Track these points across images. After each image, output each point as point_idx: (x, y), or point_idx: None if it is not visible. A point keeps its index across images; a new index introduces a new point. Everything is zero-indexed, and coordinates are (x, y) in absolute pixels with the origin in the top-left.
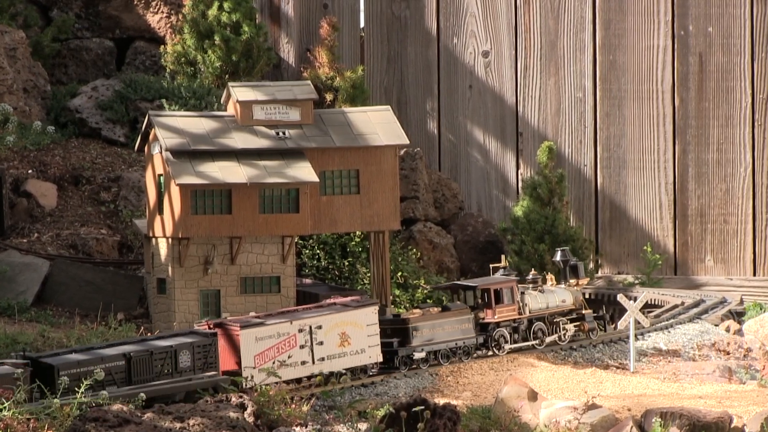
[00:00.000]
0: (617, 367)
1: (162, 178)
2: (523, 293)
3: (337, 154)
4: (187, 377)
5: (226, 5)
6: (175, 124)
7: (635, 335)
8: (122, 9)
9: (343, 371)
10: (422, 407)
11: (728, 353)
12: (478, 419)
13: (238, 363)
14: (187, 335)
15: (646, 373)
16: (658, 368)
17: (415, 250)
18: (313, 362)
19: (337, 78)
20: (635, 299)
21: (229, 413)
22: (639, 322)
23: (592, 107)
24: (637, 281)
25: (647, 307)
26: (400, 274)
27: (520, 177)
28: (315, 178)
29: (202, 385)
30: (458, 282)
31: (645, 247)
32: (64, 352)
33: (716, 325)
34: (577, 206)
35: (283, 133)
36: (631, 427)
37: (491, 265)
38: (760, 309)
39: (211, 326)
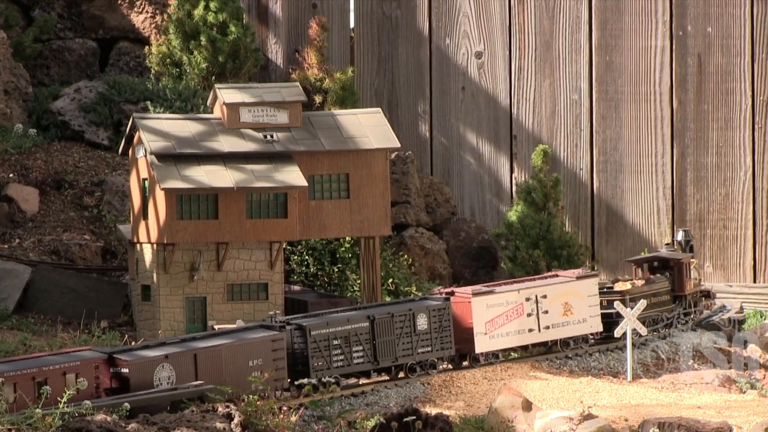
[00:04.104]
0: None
1: (147, 182)
2: None
3: (327, 158)
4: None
5: (212, 5)
6: (160, 127)
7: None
8: (106, 9)
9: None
10: (414, 417)
11: (729, 361)
12: (471, 429)
13: (470, 329)
14: (422, 300)
15: (643, 383)
16: (657, 377)
17: (406, 256)
18: (539, 330)
19: (327, 79)
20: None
21: (215, 423)
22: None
23: (588, 109)
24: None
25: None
26: (391, 280)
27: (514, 181)
28: (303, 183)
29: (188, 395)
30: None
31: (642, 253)
32: (310, 315)
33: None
34: (573, 211)
35: (271, 136)
36: None
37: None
38: (761, 317)
39: (443, 294)
